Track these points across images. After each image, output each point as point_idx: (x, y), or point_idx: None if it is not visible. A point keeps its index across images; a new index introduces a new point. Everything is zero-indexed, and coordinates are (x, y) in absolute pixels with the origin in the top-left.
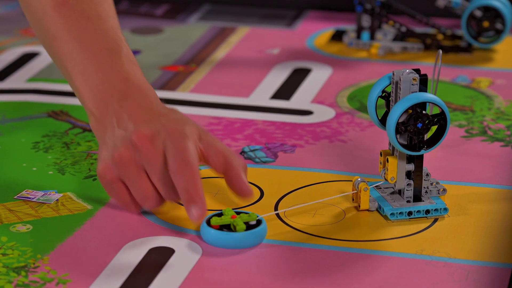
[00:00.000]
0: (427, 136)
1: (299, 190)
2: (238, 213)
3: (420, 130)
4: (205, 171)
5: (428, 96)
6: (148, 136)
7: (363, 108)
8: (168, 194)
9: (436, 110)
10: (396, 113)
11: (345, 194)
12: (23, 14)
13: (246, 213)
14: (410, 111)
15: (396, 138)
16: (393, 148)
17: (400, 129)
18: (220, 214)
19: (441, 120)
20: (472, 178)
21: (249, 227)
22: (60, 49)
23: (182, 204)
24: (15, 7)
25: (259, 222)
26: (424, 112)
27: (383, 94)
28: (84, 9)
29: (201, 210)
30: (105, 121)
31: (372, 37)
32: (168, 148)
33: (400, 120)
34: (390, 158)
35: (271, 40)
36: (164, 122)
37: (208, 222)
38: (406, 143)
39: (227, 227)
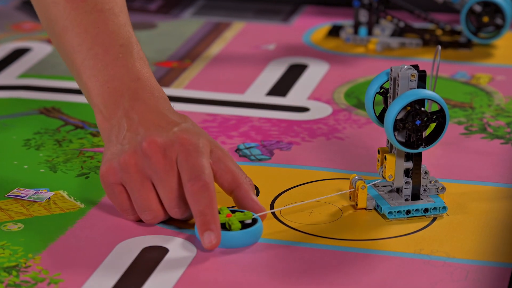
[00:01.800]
0: (425, 133)
1: (295, 188)
2: (233, 211)
3: (418, 127)
4: None
5: (427, 92)
6: (160, 146)
7: (360, 105)
8: (173, 209)
9: (435, 107)
10: (394, 110)
11: (342, 192)
12: (15, 9)
13: (241, 211)
14: (409, 108)
15: (394, 135)
16: (391, 145)
17: (398, 126)
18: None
19: (440, 118)
20: (472, 176)
21: (244, 226)
22: (69, 41)
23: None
24: (7, 2)
25: (254, 221)
26: (422, 109)
27: (381, 91)
28: (98, 1)
29: (216, 237)
30: (113, 120)
31: (370, 33)
32: (182, 164)
33: (398, 117)
34: (388, 156)
35: (267, 36)
36: (178, 132)
37: None
38: (404, 140)
39: (222, 226)
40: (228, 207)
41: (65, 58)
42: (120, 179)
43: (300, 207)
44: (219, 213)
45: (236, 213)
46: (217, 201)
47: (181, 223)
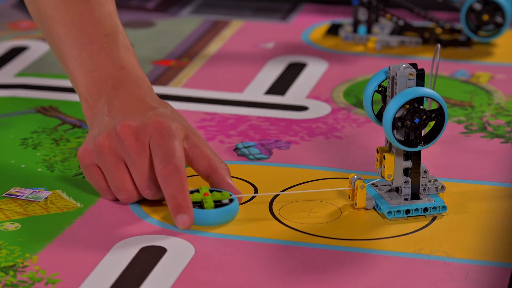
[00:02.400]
0: (425, 131)
1: (294, 187)
2: (212, 191)
3: (417, 125)
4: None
5: (426, 90)
6: (133, 129)
7: (359, 104)
8: (145, 190)
9: (434, 106)
10: (393, 108)
11: (341, 189)
12: (12, 7)
13: (219, 191)
14: (407, 106)
15: (393, 133)
16: (390, 144)
17: (396, 124)
18: (197, 191)
19: (439, 116)
20: (472, 175)
21: (219, 205)
22: (56, 31)
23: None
24: (3, 1)
25: (231, 201)
26: (421, 107)
27: (380, 89)
28: None
29: (189, 219)
30: (97, 108)
31: (369, 31)
32: (154, 146)
33: (396, 115)
34: (387, 155)
35: (266, 34)
36: (152, 116)
37: None
38: (403, 139)
39: (198, 204)
40: (210, 188)
41: (53, 47)
42: (95, 161)
43: (300, 208)
44: (198, 191)
45: (214, 192)
46: (188, 183)
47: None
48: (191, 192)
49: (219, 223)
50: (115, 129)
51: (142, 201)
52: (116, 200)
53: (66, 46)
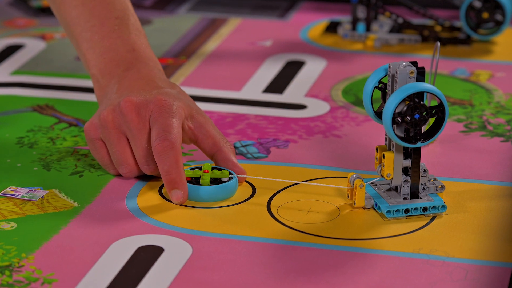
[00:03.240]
0: (424, 128)
1: (292, 186)
2: (214, 168)
3: (417, 121)
4: None
5: (426, 86)
6: (135, 104)
7: (358, 102)
8: (143, 165)
9: (434, 104)
10: (393, 103)
11: (340, 187)
12: (8, 5)
13: (220, 169)
14: (408, 101)
15: (393, 129)
16: (389, 143)
17: (396, 119)
18: (199, 168)
19: (439, 112)
20: (471, 174)
21: (216, 183)
22: (68, 13)
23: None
24: None
25: (230, 180)
26: (422, 102)
27: (380, 85)
28: None
29: (182, 193)
30: (108, 88)
31: (368, 29)
32: (153, 123)
33: (397, 111)
34: (386, 154)
35: (263, 32)
36: (156, 94)
37: None
38: (402, 135)
39: (195, 181)
40: (214, 166)
41: (66, 29)
42: (100, 135)
43: (297, 206)
44: (200, 169)
45: (214, 170)
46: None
47: (177, 221)
48: (193, 169)
49: (212, 200)
50: (119, 105)
51: (139, 200)
52: (119, 175)
53: (78, 28)
